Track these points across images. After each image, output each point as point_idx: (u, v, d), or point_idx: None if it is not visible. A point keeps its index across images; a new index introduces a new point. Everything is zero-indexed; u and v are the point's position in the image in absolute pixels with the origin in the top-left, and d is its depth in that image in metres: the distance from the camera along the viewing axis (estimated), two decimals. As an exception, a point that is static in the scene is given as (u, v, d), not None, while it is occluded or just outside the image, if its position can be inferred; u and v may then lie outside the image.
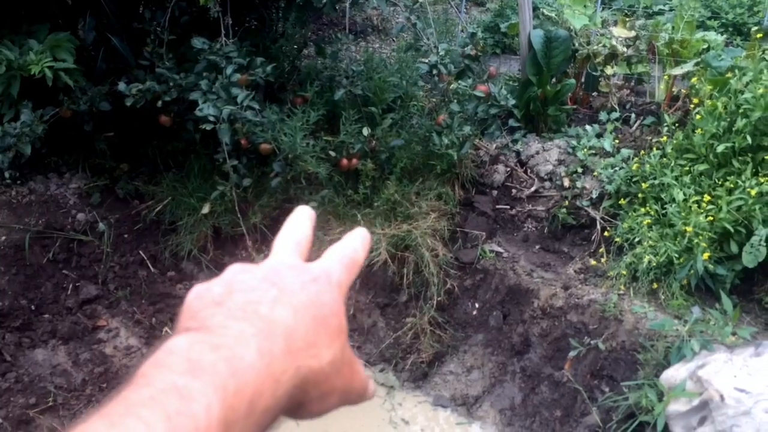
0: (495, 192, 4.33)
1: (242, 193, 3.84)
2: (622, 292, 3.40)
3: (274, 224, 4.03)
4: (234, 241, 4.01)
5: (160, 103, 3.57)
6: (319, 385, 0.43)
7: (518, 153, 4.39)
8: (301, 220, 0.55)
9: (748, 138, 3.33)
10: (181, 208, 4.00)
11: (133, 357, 3.58)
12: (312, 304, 0.44)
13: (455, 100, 3.88)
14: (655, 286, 3.34)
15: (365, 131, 4.07)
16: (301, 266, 0.48)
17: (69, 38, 3.66)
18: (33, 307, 3.62)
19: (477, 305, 3.81)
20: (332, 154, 4.01)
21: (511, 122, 4.31)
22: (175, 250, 3.99)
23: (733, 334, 2.81)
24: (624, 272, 3.45)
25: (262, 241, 3.98)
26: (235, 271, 0.46)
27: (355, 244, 0.53)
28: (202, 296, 0.44)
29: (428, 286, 3.79)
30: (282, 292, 0.43)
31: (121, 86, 3.51)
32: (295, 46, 5.00)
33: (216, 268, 3.96)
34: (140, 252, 4.00)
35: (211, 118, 3.35)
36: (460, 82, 3.76)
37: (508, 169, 4.36)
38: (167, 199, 4.06)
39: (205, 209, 3.88)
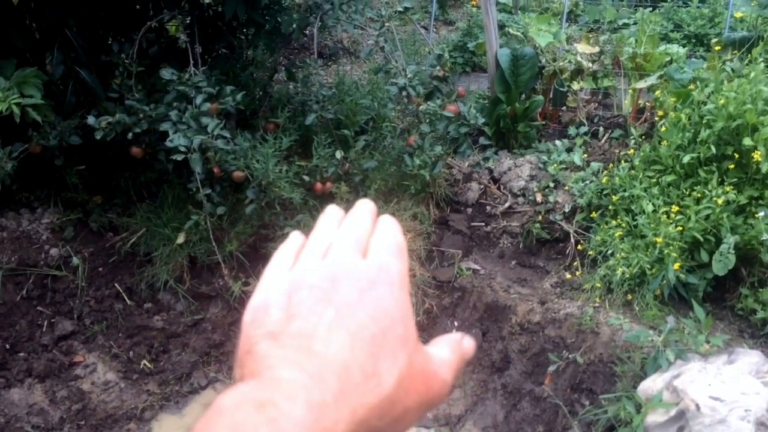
0: (470, 209, 4.37)
1: (217, 221, 3.83)
2: (597, 304, 3.44)
3: (250, 251, 4.02)
4: (210, 269, 4.00)
5: (130, 135, 3.56)
6: (385, 416, 0.41)
7: (491, 170, 4.44)
8: (363, 215, 0.51)
9: (713, 148, 3.40)
10: (156, 238, 3.98)
11: (111, 392, 3.54)
12: (372, 321, 0.42)
13: (425, 121, 3.92)
14: (629, 297, 3.38)
15: (338, 154, 4.09)
16: (358, 268, 0.45)
17: (36, 73, 3.64)
18: (7, 346, 3.57)
19: (456, 324, 3.82)
20: (306, 178, 4.02)
21: (482, 140, 4.36)
22: (151, 282, 3.96)
23: (707, 342, 2.85)
24: (598, 285, 3.49)
25: (239, 269, 3.98)
26: (296, 284, 0.45)
27: (391, 231, 0.50)
28: (260, 321, 0.43)
29: (407, 307, 3.79)
30: (339, 313, 0.42)
31: (91, 120, 3.51)
32: (266, 73, 5.02)
33: (192, 297, 3.94)
34: (116, 285, 3.97)
35: (182, 149, 3.35)
36: (429, 103, 3.80)
37: (482, 186, 4.40)
38: (141, 231, 4.04)
39: (180, 239, 3.86)
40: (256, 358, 0.41)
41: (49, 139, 3.68)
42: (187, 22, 4.17)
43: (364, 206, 0.52)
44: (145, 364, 3.70)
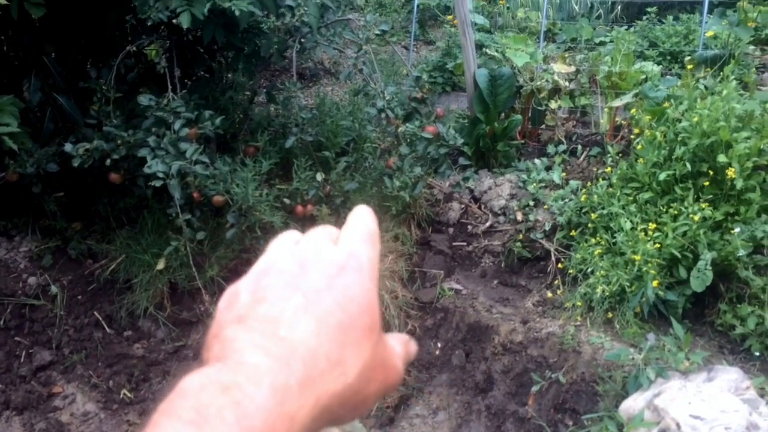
0: (451, 229, 4.38)
1: (197, 246, 3.80)
2: (578, 323, 3.45)
3: (231, 276, 3.99)
4: (191, 295, 3.97)
5: (109, 161, 3.54)
6: (346, 403, 0.42)
7: (471, 189, 4.46)
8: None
9: (688, 165, 3.44)
10: (136, 265, 3.95)
11: (91, 423, 3.48)
12: (339, 308, 0.42)
13: (405, 142, 3.94)
14: (610, 315, 3.39)
15: (319, 177, 4.09)
16: (328, 254, 0.46)
17: (13, 101, 3.62)
18: (-16, 378, 3.51)
19: (439, 345, 3.81)
20: (287, 201, 4.02)
21: (462, 160, 4.38)
22: (131, 309, 3.92)
23: (687, 359, 2.87)
24: (579, 303, 3.50)
25: (220, 294, 3.91)
26: (265, 269, 0.46)
27: (364, 220, 0.50)
28: (230, 306, 0.44)
29: (390, 329, 3.78)
30: (306, 298, 0.42)
31: (68, 147, 3.48)
32: (246, 95, 5.03)
33: (173, 324, 3.91)
34: (95, 313, 3.92)
35: (161, 175, 3.34)
36: (408, 124, 3.82)
37: (463, 206, 4.42)
38: (121, 257, 4.00)
39: (160, 265, 3.83)
40: (223, 342, 0.41)
41: (26, 167, 3.65)
42: (166, 46, 4.17)
43: (363, 209, 0.52)
44: (125, 394, 3.65)
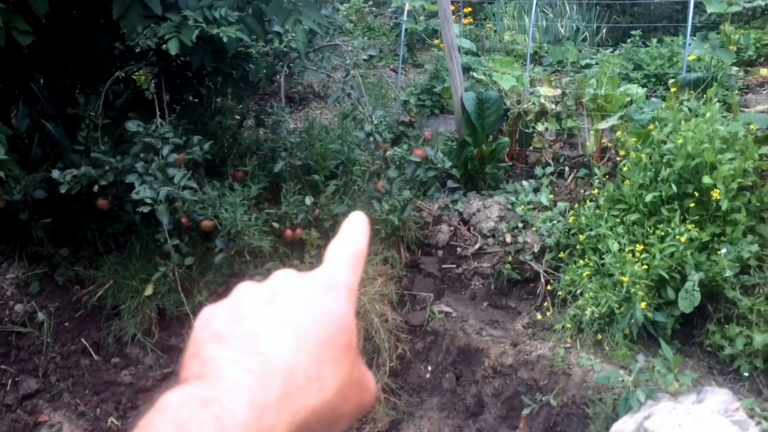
0: (440, 252, 4.38)
1: (186, 271, 3.79)
2: (568, 345, 3.45)
3: (220, 301, 3.97)
4: (180, 321, 3.94)
5: (96, 187, 3.53)
6: (324, 420, 0.42)
7: (460, 212, 4.47)
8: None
9: (674, 186, 3.47)
10: (124, 291, 3.92)
11: (77, 452, 3.43)
12: (317, 326, 0.43)
13: (393, 166, 3.96)
14: (599, 337, 3.40)
15: (308, 200, 4.10)
16: (307, 276, 0.47)
17: (0, 128, 3.62)
18: (-31, 408, 3.46)
19: (430, 368, 3.80)
20: (276, 225, 4.01)
21: (450, 183, 4.40)
22: (118, 335, 3.89)
23: (677, 381, 2.87)
24: (569, 325, 3.50)
25: (208, 319, 3.91)
26: (243, 291, 0.47)
27: (355, 236, 0.51)
28: (208, 325, 0.45)
29: (380, 352, 3.76)
30: (285, 317, 0.43)
31: (55, 173, 3.48)
32: (235, 120, 5.05)
33: (162, 350, 3.87)
34: (82, 340, 3.88)
35: (149, 200, 3.33)
36: (396, 148, 3.84)
37: (452, 228, 4.43)
38: (109, 283, 3.98)
39: (148, 291, 3.81)
40: (203, 360, 0.42)
41: (13, 193, 3.63)
42: (155, 71, 4.19)
43: (357, 219, 0.53)
44: (112, 422, 3.61)
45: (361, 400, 0.46)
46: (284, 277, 0.47)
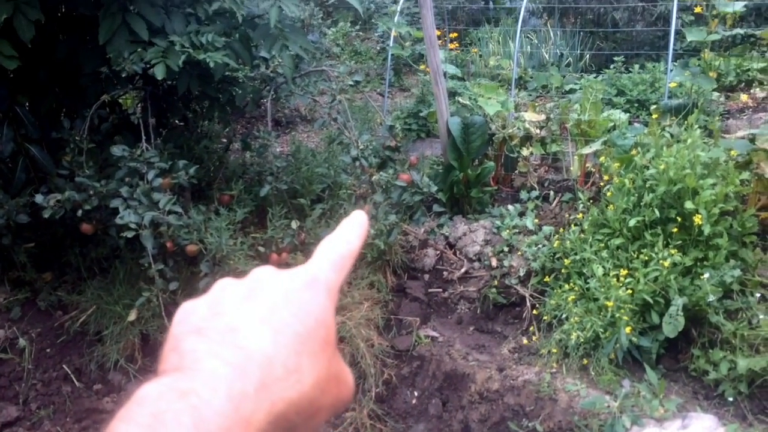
0: (426, 276, 4.38)
1: (170, 296, 3.75)
2: (554, 370, 3.44)
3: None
4: (163, 347, 3.89)
5: (80, 212, 3.51)
6: (302, 412, 0.42)
7: (446, 236, 4.48)
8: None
9: (656, 211, 3.51)
10: (107, 316, 3.88)
11: (57, 482, 3.37)
12: (296, 320, 0.43)
13: (379, 190, 3.97)
14: (585, 362, 3.40)
15: (294, 224, 4.09)
16: (288, 272, 0.47)
17: (-17, 152, 3.60)
18: (-55, 437, 3.39)
19: (416, 393, 3.77)
20: (262, 249, 4.00)
21: (436, 207, 4.42)
22: (101, 362, 3.83)
23: (662, 406, 2.87)
24: (555, 350, 3.50)
25: (193, 345, 3.88)
26: (222, 286, 0.47)
27: (347, 235, 0.52)
28: (187, 319, 0.44)
29: (365, 378, 3.74)
30: (264, 310, 0.43)
31: (38, 198, 3.45)
32: (223, 141, 5.06)
33: (145, 377, 3.82)
34: (64, 366, 3.83)
35: (133, 225, 3.32)
36: (382, 173, 3.86)
37: (438, 252, 4.43)
38: (92, 308, 3.93)
39: (132, 316, 3.77)
40: (181, 353, 0.42)
41: (-5, 218, 3.60)
42: (141, 95, 4.19)
43: (356, 219, 0.54)
44: (93, 449, 3.55)
45: (340, 394, 0.47)
46: (264, 273, 0.48)
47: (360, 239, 0.52)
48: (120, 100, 4.60)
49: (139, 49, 3.54)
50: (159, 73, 3.42)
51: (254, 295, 0.45)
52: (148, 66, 3.64)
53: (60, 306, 4.03)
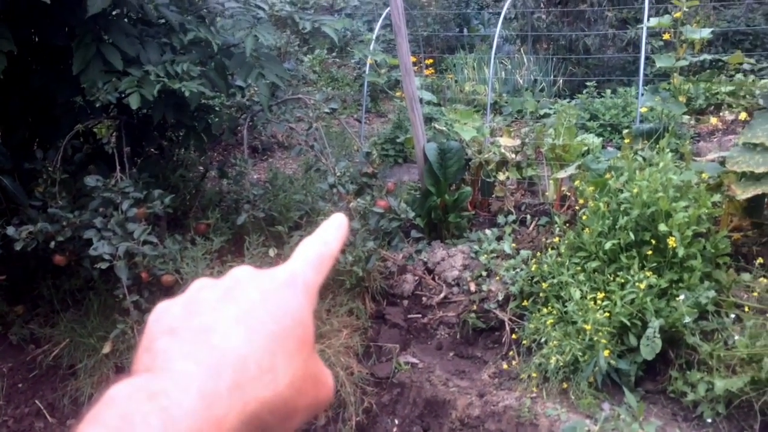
0: (406, 302, 4.37)
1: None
2: (534, 394, 3.44)
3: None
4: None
5: (53, 243, 3.46)
6: (276, 412, 0.41)
7: (425, 261, 4.48)
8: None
9: (631, 234, 3.54)
10: (81, 349, 3.81)
11: None
12: (272, 319, 0.42)
13: (357, 217, 3.97)
14: (564, 385, 3.40)
15: (272, 252, 4.06)
16: (266, 271, 0.46)
17: (-46, 184, 3.54)
18: None
19: (397, 422, 3.74)
20: (239, 278, 3.96)
21: (414, 232, 4.42)
22: (74, 396, 3.75)
23: (641, 429, 2.87)
24: (534, 374, 3.50)
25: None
26: (199, 286, 0.46)
27: (326, 236, 0.51)
28: (161, 319, 0.44)
29: (345, 407, 3.70)
30: (240, 310, 0.42)
31: (10, 230, 3.40)
32: (200, 169, 5.03)
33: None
34: (36, 401, 3.74)
35: (107, 257, 3.27)
36: (359, 200, 3.86)
37: (417, 277, 4.43)
38: (65, 341, 3.86)
39: (106, 349, 3.70)
40: (154, 354, 0.41)
41: (-35, 250, 3.53)
42: (116, 124, 4.17)
43: (336, 221, 0.53)
44: (66, 488, 3.45)
45: (317, 395, 0.46)
46: (242, 273, 0.47)
47: (339, 241, 0.52)
48: (94, 130, 4.56)
49: (114, 79, 3.53)
50: (133, 102, 3.41)
51: (231, 295, 0.44)
52: (122, 95, 3.63)
53: (32, 339, 3.95)
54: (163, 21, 4.01)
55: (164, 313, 0.45)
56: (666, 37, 4.33)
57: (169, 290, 3.78)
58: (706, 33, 4.11)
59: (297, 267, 0.48)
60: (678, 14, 4.02)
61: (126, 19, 3.98)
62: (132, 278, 3.49)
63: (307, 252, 0.50)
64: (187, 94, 3.47)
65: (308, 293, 0.47)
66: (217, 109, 4.63)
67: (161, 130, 4.54)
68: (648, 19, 4.86)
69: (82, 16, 3.36)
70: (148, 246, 3.41)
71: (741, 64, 6.82)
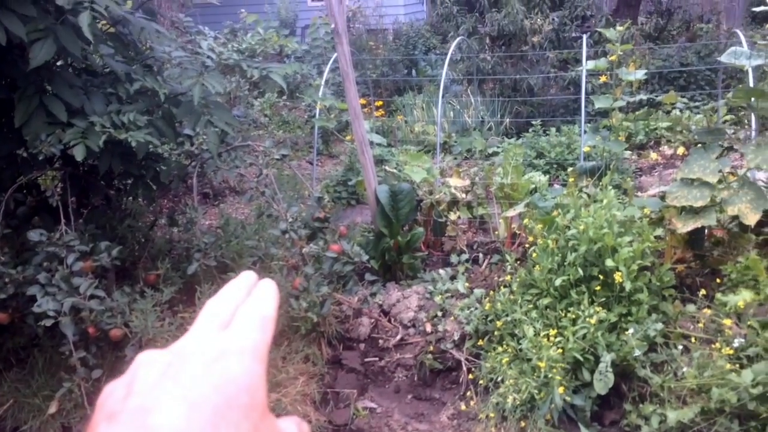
0: (362, 345, 4.34)
1: (93, 385, 3.57)
2: (493, 434, 3.44)
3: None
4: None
5: (-6, 301, 3.34)
6: None
7: (380, 303, 4.48)
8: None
9: (580, 270, 3.62)
10: (25, 410, 3.65)
11: None
12: (215, 391, 0.41)
13: (310, 262, 3.95)
14: (522, 424, 3.41)
15: (224, 301, 4.00)
16: (210, 341, 0.45)
17: None
18: None
19: (356, 469, 3.68)
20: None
21: (369, 275, 4.43)
22: (18, 461, 3.58)
23: (598, 465, 2.89)
24: (492, 414, 3.50)
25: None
26: (140, 362, 0.45)
27: (262, 301, 0.49)
28: (104, 403, 0.43)
29: (304, 457, 3.62)
30: (180, 386, 0.41)
31: (-52, 289, 3.27)
32: (149, 218, 4.94)
33: (66, 474, 3.58)
34: (-24, 469, 3.55)
35: (51, 313, 3.17)
36: (312, 244, 3.85)
37: (372, 320, 4.41)
38: (8, 402, 3.68)
39: (52, 408, 3.56)
40: None
41: None
42: (60, 176, 4.08)
43: (243, 280, 0.53)
44: None
45: None
46: (186, 344, 0.46)
47: (276, 304, 0.51)
48: (38, 181, 4.46)
49: (58, 131, 3.46)
50: (78, 154, 3.35)
51: (173, 370, 0.43)
52: (66, 147, 3.57)
53: (-28, 403, 3.76)
54: (108, 71, 3.97)
55: (108, 397, 0.44)
56: (603, 79, 4.51)
57: (118, 344, 3.67)
58: (640, 75, 4.30)
59: (240, 331, 0.47)
60: (613, 57, 4.20)
61: (70, 69, 3.94)
62: (78, 334, 3.38)
63: (247, 315, 0.49)
64: (134, 144, 3.43)
65: (257, 354, 0.46)
66: (165, 156, 4.58)
67: (108, 179, 4.46)
68: (586, 62, 5.06)
69: (25, 68, 3.31)
70: (95, 300, 3.32)
71: (674, 103, 7.14)
